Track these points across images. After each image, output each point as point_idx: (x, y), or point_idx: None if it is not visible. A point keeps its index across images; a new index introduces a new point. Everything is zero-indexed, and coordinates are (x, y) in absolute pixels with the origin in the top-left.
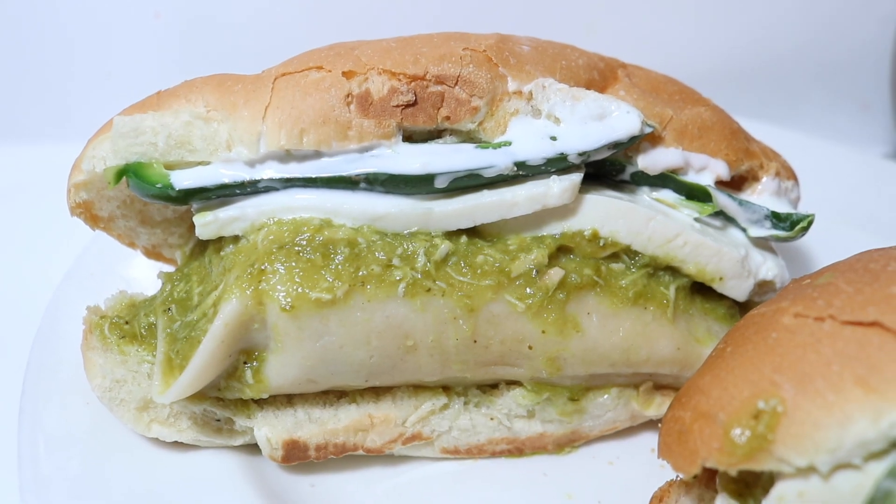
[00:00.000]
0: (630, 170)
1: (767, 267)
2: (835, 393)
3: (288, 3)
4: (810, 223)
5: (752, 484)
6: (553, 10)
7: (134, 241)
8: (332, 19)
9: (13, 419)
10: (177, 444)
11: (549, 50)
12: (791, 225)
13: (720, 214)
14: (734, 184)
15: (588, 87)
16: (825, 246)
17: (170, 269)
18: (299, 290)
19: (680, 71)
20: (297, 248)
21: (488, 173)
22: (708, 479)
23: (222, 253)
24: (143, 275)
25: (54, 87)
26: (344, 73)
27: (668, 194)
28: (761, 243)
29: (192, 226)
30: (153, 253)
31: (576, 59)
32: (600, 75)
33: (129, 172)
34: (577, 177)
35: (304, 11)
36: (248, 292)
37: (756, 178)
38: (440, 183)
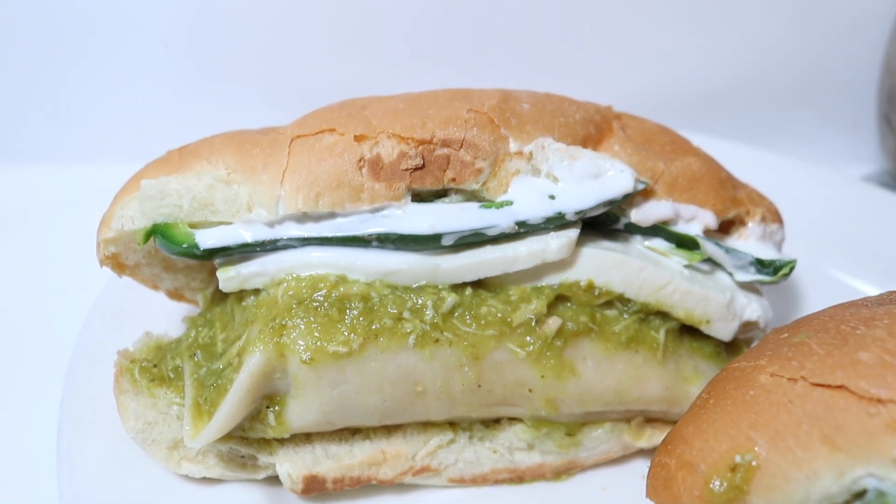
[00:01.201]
0: (624, 221)
1: (752, 309)
2: (804, 450)
3: (295, 35)
4: (792, 269)
5: None
6: (553, 33)
7: (158, 284)
8: (338, 51)
9: (51, 450)
10: (204, 479)
11: (549, 106)
12: (774, 271)
13: (708, 260)
14: (722, 228)
15: (585, 142)
16: (806, 272)
17: (192, 309)
18: (318, 343)
19: (672, 93)
20: (314, 304)
21: (491, 232)
22: None
23: (244, 303)
24: (162, 303)
25: (63, 113)
26: (356, 138)
27: (659, 243)
28: (747, 286)
29: (213, 271)
30: (175, 295)
31: (573, 113)
32: (596, 129)
33: (157, 233)
34: (573, 233)
35: (312, 44)
36: (271, 346)
37: (743, 223)
38: (447, 241)
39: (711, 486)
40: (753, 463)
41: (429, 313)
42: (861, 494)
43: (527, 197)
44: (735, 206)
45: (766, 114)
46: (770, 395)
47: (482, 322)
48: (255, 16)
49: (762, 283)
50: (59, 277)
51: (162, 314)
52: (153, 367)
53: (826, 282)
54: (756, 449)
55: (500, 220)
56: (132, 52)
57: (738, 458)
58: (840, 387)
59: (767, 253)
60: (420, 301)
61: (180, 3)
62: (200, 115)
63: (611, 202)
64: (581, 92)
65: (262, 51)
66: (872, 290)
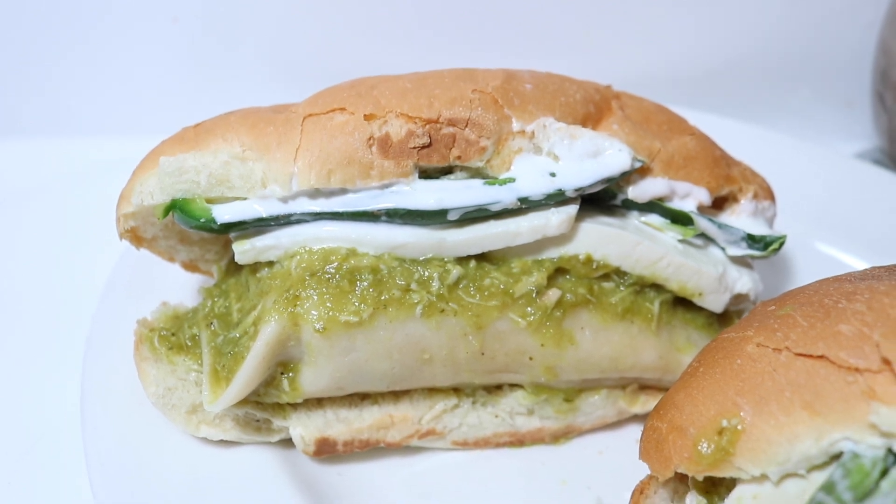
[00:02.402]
0: (621, 197)
1: (743, 282)
2: (785, 415)
3: (304, 12)
4: (782, 244)
5: (718, 483)
6: (554, 12)
7: (173, 256)
8: (345, 26)
9: (75, 415)
10: (221, 442)
11: (550, 86)
12: (764, 246)
13: (702, 235)
14: (716, 204)
15: (585, 121)
16: (797, 247)
17: (206, 280)
18: (330, 313)
19: (670, 71)
20: (326, 276)
21: (495, 208)
22: (681, 475)
23: (259, 275)
24: (176, 273)
25: (77, 87)
26: (366, 117)
27: (654, 218)
28: (738, 259)
29: (227, 243)
30: (190, 266)
31: (573, 93)
32: (596, 108)
33: (176, 208)
34: (572, 209)
35: (321, 21)
36: (286, 315)
37: (735, 200)
38: (452, 216)
39: (699, 448)
40: (739, 427)
41: (435, 285)
42: (838, 456)
43: (529, 174)
44: (728, 183)
45: (762, 91)
46: (756, 364)
47: (485, 293)
48: None
49: (753, 257)
50: (77, 248)
51: (177, 285)
52: (171, 335)
53: (815, 256)
54: (741, 414)
55: (503, 196)
56: (143, 26)
57: (724, 423)
58: (821, 357)
59: (759, 228)
60: (427, 273)
61: None
62: (210, 91)
63: (609, 180)
64: (581, 70)
65: (270, 27)
66: (860, 265)
